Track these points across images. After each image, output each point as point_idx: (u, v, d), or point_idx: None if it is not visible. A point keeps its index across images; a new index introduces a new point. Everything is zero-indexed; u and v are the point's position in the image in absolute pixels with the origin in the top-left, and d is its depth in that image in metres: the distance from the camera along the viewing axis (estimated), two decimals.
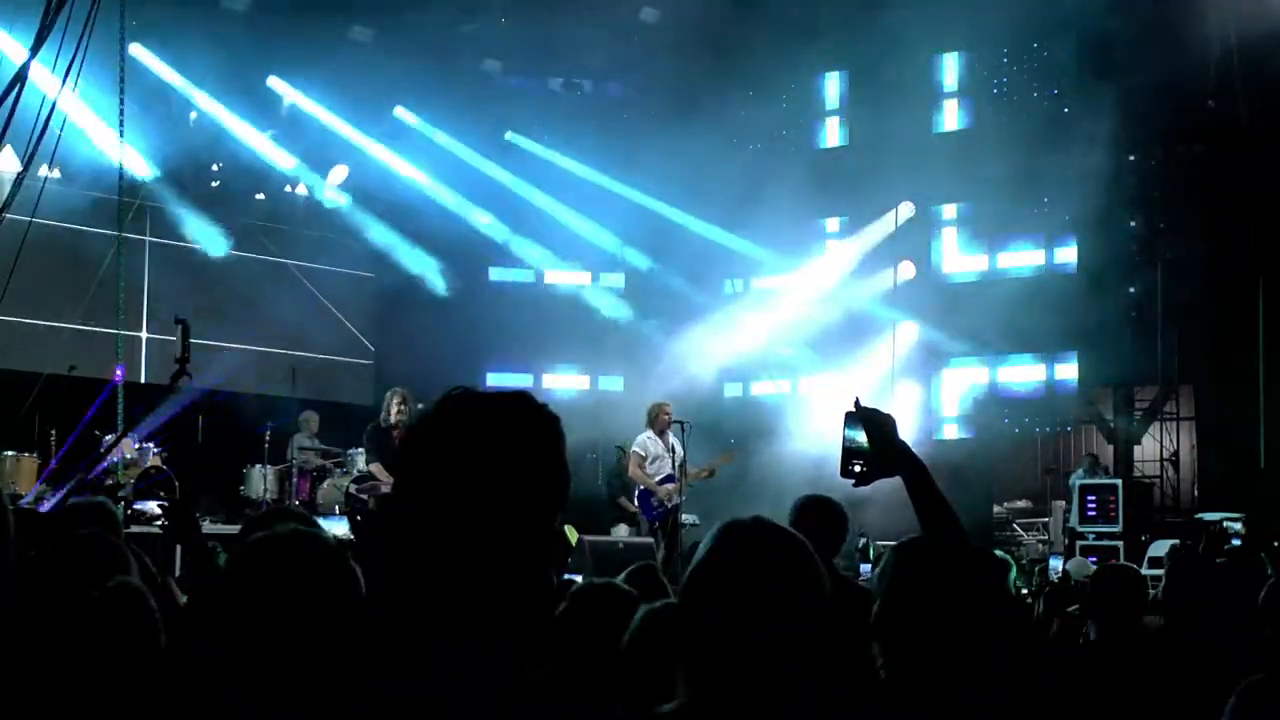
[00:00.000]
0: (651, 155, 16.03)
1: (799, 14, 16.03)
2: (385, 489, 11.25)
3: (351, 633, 2.21)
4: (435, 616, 1.65)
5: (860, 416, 2.63)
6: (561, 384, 18.01)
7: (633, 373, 17.32)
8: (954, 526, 2.54)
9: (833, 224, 18.00)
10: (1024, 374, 16.96)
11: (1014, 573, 6.96)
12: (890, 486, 2.71)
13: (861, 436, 2.62)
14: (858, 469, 2.64)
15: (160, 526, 10.55)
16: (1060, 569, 11.26)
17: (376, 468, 11.54)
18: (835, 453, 2.69)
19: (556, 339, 17.74)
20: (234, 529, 10.21)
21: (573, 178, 17.65)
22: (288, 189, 16.94)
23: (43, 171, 9.50)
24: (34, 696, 2.45)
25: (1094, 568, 9.34)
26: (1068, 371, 16.64)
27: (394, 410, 11.46)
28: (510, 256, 18.20)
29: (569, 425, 1.76)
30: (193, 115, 15.82)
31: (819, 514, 4.60)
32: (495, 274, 18.50)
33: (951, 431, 17.22)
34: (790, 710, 1.97)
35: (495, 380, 16.92)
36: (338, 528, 11.68)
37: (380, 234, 17.18)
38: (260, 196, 16.65)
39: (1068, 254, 16.53)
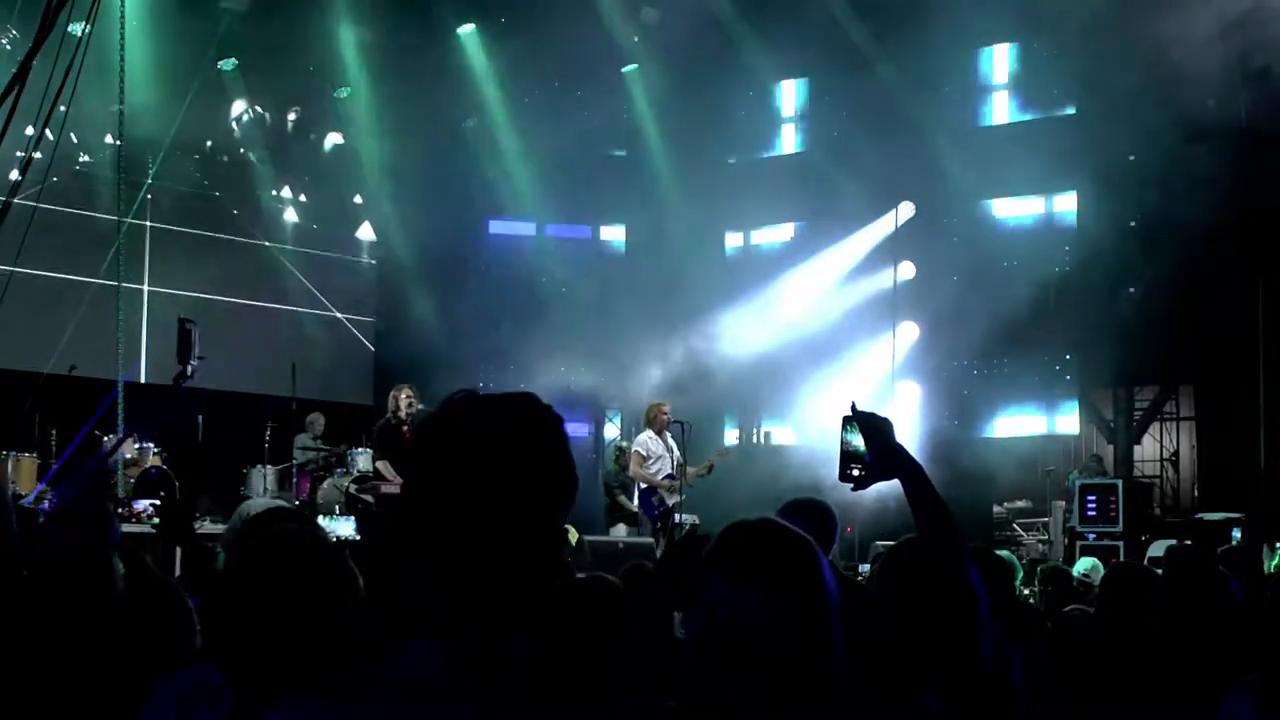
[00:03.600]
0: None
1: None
2: (387, 488, 11.23)
3: (350, 631, 2.21)
4: (443, 616, 1.65)
5: (858, 420, 2.62)
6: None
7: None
8: (952, 529, 2.54)
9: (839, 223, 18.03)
10: (1023, 359, 16.96)
11: (1020, 575, 6.95)
12: (890, 489, 2.70)
13: (859, 440, 2.61)
14: (856, 473, 2.63)
15: (154, 526, 10.56)
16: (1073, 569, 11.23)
17: (384, 465, 11.47)
18: (834, 452, 2.69)
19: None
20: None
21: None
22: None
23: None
24: (61, 694, 2.45)
25: (1092, 565, 9.34)
26: (1068, 356, 16.65)
27: (403, 406, 11.36)
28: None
29: None
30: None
31: (807, 515, 4.55)
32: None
33: (950, 431, 17.22)
34: (796, 712, 1.98)
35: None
36: (344, 528, 11.67)
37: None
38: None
39: (1067, 254, 16.53)
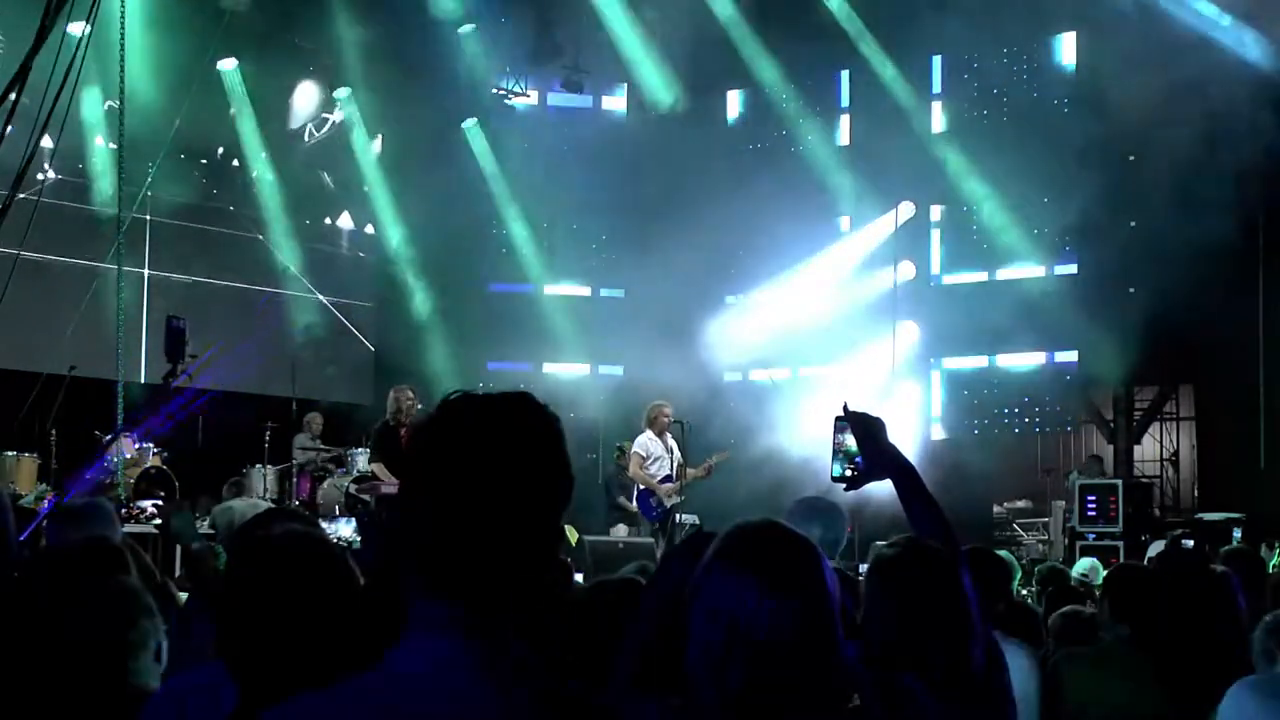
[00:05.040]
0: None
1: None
2: (386, 489, 11.24)
3: (350, 631, 2.21)
4: (440, 616, 1.66)
5: (850, 420, 2.62)
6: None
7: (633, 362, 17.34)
8: (945, 528, 2.54)
9: (839, 224, 18.00)
10: (1023, 360, 16.93)
11: (1019, 575, 6.95)
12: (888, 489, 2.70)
13: (851, 441, 2.61)
14: (848, 473, 2.63)
15: (155, 526, 10.60)
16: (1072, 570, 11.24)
17: (379, 467, 11.45)
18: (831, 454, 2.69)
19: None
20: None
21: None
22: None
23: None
24: (31, 698, 2.45)
25: (1090, 566, 9.34)
26: (1067, 357, 16.64)
27: (403, 408, 11.31)
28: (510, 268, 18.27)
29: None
30: None
31: (815, 516, 4.56)
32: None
33: (950, 431, 17.22)
34: (797, 712, 1.98)
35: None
36: (344, 529, 11.68)
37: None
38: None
39: (1067, 254, 16.54)
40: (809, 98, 18.04)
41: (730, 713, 1.98)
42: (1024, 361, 16.79)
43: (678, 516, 12.00)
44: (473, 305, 17.45)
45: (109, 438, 10.65)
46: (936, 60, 17.13)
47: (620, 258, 17.94)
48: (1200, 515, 14.08)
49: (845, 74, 17.70)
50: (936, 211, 17.39)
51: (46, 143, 7.79)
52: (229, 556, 3.97)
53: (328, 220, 17.79)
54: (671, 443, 12.13)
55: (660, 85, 17.34)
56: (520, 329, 17.58)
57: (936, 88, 17.28)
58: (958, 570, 2.46)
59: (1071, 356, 16.54)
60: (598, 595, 3.11)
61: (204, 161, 16.42)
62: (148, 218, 15.47)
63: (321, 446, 13.87)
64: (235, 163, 16.69)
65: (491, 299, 17.97)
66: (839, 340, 16.69)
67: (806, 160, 17.46)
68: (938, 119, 17.18)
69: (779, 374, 13.16)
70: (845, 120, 17.84)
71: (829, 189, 16.97)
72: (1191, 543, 10.75)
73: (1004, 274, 16.77)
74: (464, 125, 17.75)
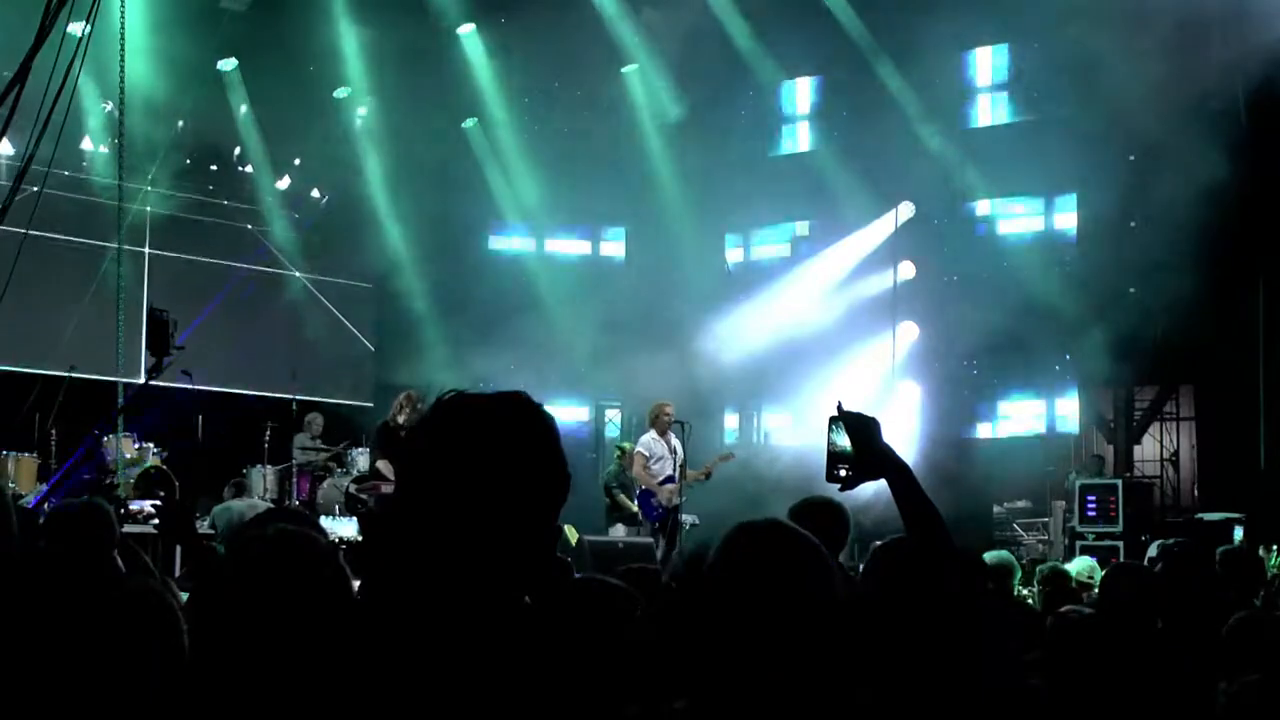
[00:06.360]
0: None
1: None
2: (387, 488, 11.25)
3: (343, 630, 2.22)
4: (436, 613, 1.66)
5: (844, 420, 2.62)
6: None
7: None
8: (938, 528, 2.54)
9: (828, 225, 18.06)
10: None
11: (1019, 575, 6.93)
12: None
13: (845, 440, 2.60)
14: (843, 473, 2.63)
15: (154, 526, 10.59)
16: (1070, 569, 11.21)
17: (384, 464, 11.47)
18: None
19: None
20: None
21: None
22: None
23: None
24: (48, 697, 2.45)
25: (1089, 565, 9.33)
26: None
27: (406, 413, 11.30)
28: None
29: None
30: None
31: (820, 515, 4.57)
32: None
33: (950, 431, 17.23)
34: (799, 713, 1.98)
35: None
36: (346, 529, 11.69)
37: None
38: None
39: (1068, 254, 16.53)
40: (811, 98, 18.05)
41: (737, 712, 1.98)
42: (1024, 361, 16.75)
43: (679, 517, 12.01)
44: (475, 302, 17.37)
45: (99, 433, 10.68)
46: (936, 60, 17.08)
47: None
48: (1200, 515, 14.07)
49: (847, 74, 17.69)
50: (936, 211, 17.37)
51: (45, 145, 7.78)
52: (224, 556, 3.97)
53: (327, 219, 17.77)
54: (675, 443, 12.13)
55: (661, 88, 17.36)
56: (522, 326, 17.52)
57: (936, 87, 17.24)
58: (951, 571, 2.46)
59: (1071, 356, 16.53)
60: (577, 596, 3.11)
61: (206, 163, 16.41)
62: (148, 219, 15.47)
63: (321, 446, 13.88)
64: (236, 164, 16.68)
65: (493, 296, 17.93)
66: (839, 340, 16.69)
67: (807, 160, 17.47)
68: (937, 119, 17.15)
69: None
70: (846, 120, 17.83)
71: (829, 187, 16.96)
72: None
73: (1003, 274, 16.76)
74: (465, 125, 17.76)
